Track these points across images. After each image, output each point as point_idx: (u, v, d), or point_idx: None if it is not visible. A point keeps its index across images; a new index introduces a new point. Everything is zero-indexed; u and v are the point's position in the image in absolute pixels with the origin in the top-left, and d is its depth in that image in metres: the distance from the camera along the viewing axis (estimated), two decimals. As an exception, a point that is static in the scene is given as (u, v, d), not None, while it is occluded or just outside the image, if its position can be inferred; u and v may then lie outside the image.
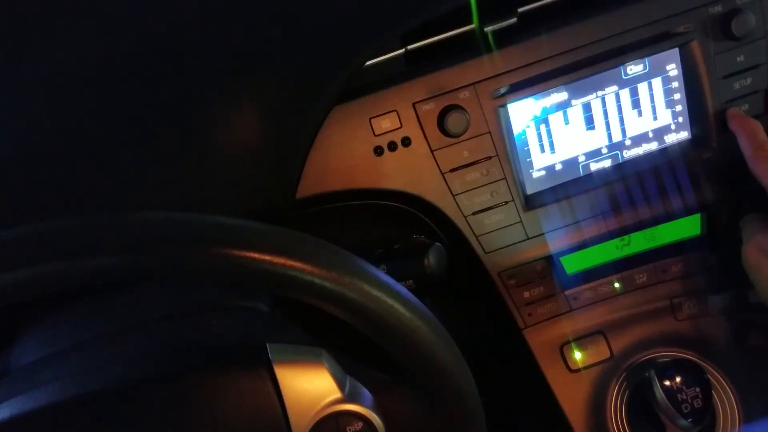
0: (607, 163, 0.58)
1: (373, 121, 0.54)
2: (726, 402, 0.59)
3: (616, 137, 0.58)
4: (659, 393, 0.55)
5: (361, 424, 0.38)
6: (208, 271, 0.31)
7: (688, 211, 0.59)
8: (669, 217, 0.59)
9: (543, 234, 0.58)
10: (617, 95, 0.57)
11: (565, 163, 0.58)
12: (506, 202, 0.57)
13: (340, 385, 0.37)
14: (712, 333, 0.61)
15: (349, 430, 0.38)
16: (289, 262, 0.32)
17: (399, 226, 0.59)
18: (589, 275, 0.61)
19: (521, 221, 0.57)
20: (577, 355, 0.61)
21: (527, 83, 0.55)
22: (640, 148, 0.58)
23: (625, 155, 0.58)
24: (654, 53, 0.56)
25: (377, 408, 0.38)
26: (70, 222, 0.31)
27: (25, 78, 0.49)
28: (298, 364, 0.37)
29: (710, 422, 0.58)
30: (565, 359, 0.61)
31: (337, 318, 0.35)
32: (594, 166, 0.58)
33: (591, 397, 0.60)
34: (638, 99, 0.57)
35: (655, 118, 0.57)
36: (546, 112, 0.56)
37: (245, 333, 0.46)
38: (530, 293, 0.60)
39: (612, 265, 0.61)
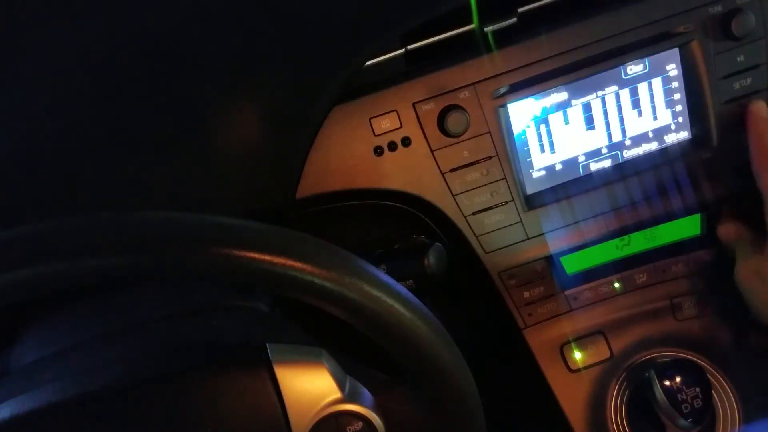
0: (607, 163, 0.58)
1: (373, 121, 0.54)
2: (726, 402, 0.59)
3: (616, 137, 0.58)
4: (659, 393, 0.55)
5: (361, 424, 0.38)
6: (208, 271, 0.31)
7: (688, 211, 0.59)
8: (669, 217, 0.59)
9: (543, 234, 0.58)
10: (617, 95, 0.57)
11: (565, 163, 0.58)
12: (506, 202, 0.57)
13: (340, 385, 0.37)
14: (712, 333, 0.61)
15: (349, 430, 0.38)
16: (289, 262, 0.32)
17: (399, 226, 0.59)
18: (589, 275, 0.61)
19: (521, 221, 0.57)
20: (577, 355, 0.61)
21: (527, 83, 0.55)
22: (640, 148, 0.58)
23: (625, 155, 0.58)
24: (654, 53, 0.56)
25: (377, 408, 0.38)
26: (70, 222, 0.31)
27: (25, 78, 0.49)
28: (298, 364, 0.37)
29: (710, 422, 0.58)
30: (565, 359, 0.61)
31: (337, 318, 0.35)
32: (594, 166, 0.58)
33: (591, 397, 0.60)
34: (638, 99, 0.57)
35: (655, 118, 0.57)
36: (546, 112, 0.56)
37: (245, 333, 0.46)
38: (530, 293, 0.60)
39: (612, 265, 0.61)
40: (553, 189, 0.58)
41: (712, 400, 0.57)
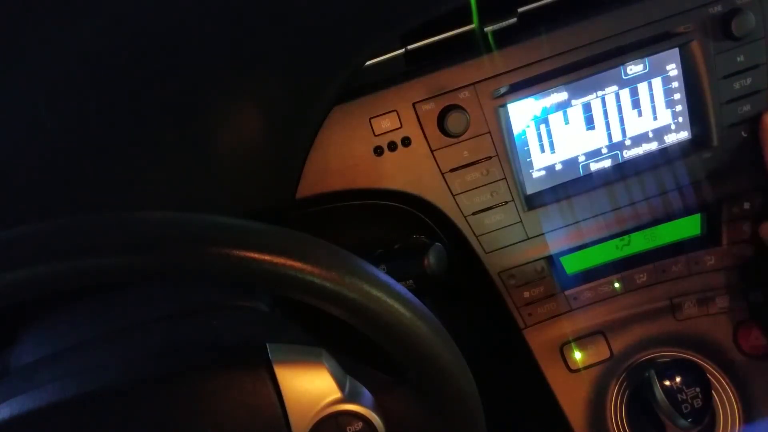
0: (607, 163, 0.58)
1: (373, 121, 0.54)
2: (726, 402, 0.59)
3: (616, 137, 0.58)
4: (659, 393, 0.55)
5: (361, 424, 0.38)
6: (208, 271, 0.31)
7: (688, 211, 0.59)
8: (669, 217, 0.59)
9: (543, 234, 0.58)
10: (617, 95, 0.57)
11: (565, 163, 0.58)
12: (506, 202, 0.57)
13: (340, 385, 0.37)
14: (712, 333, 0.61)
15: (349, 430, 0.38)
16: (289, 262, 0.32)
17: (399, 226, 0.59)
18: (589, 275, 0.61)
19: (521, 221, 0.57)
20: (577, 355, 0.61)
21: (527, 83, 0.55)
22: (640, 148, 0.58)
23: (625, 155, 0.58)
24: (654, 53, 0.56)
25: (377, 408, 0.38)
26: (70, 222, 0.31)
27: (26, 78, 0.49)
28: (298, 364, 0.37)
29: (710, 422, 0.58)
30: (565, 359, 0.61)
31: (337, 318, 0.35)
32: (594, 166, 0.58)
33: (591, 397, 0.60)
34: (638, 99, 0.57)
35: (655, 118, 0.57)
36: (546, 112, 0.56)
37: (245, 333, 0.46)
38: (530, 293, 0.60)
39: (612, 265, 0.61)
40: (553, 189, 0.58)
41: (712, 400, 0.57)
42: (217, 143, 0.53)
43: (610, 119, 0.57)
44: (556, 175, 0.58)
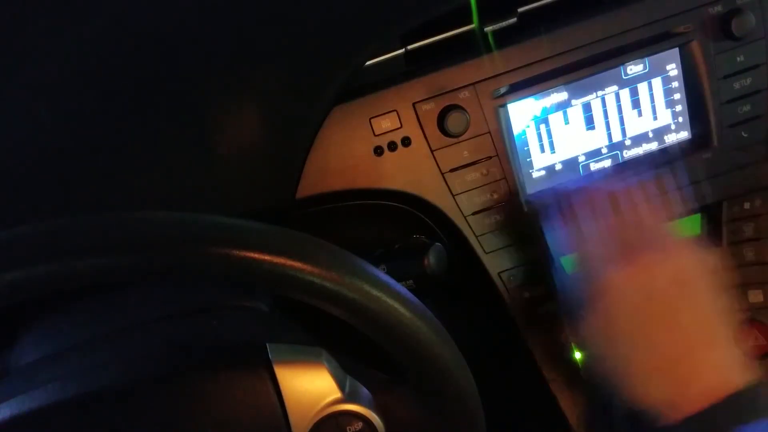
0: (607, 163, 0.58)
1: (373, 121, 0.54)
2: (726, 402, 0.59)
3: (616, 137, 0.58)
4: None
5: (361, 424, 0.38)
6: (208, 271, 0.31)
7: (688, 211, 0.59)
8: (669, 217, 0.59)
9: (543, 234, 0.58)
10: (617, 95, 0.57)
11: (565, 163, 0.58)
12: (506, 202, 0.57)
13: (340, 385, 0.37)
14: (712, 333, 0.61)
15: (349, 429, 0.38)
16: (289, 262, 0.32)
17: (399, 226, 0.59)
18: (589, 275, 0.61)
19: (521, 221, 0.57)
20: (577, 355, 0.61)
21: (527, 83, 0.55)
22: (640, 148, 0.58)
23: (625, 155, 0.58)
24: (654, 53, 0.56)
25: (377, 408, 0.38)
26: (70, 222, 0.31)
27: (26, 78, 0.49)
28: (298, 364, 0.37)
29: (710, 422, 0.58)
30: (565, 359, 0.61)
31: (337, 318, 0.35)
32: (594, 166, 0.58)
33: (591, 397, 0.60)
34: (638, 99, 0.57)
35: (655, 118, 0.57)
36: (546, 112, 0.56)
37: (245, 333, 0.46)
38: (530, 293, 0.60)
39: (612, 265, 0.61)
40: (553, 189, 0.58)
41: (712, 400, 0.57)
42: (217, 143, 0.53)
43: (610, 119, 0.57)
44: (556, 175, 0.58)
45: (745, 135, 0.57)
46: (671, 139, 0.58)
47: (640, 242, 0.48)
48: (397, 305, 0.34)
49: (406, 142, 0.55)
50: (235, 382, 0.37)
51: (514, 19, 0.55)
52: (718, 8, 0.54)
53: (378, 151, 0.55)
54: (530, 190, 0.58)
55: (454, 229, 0.57)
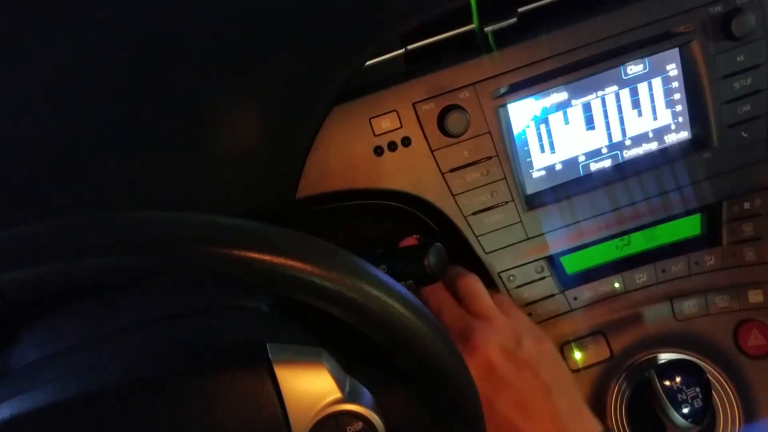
0: (607, 163, 0.58)
1: (373, 121, 0.54)
2: (726, 402, 0.59)
3: (616, 137, 0.58)
4: (659, 393, 0.55)
5: (361, 424, 0.38)
6: (208, 271, 0.31)
7: (688, 211, 0.59)
8: (669, 217, 0.59)
9: (543, 234, 0.58)
10: (617, 95, 0.57)
11: (565, 163, 0.58)
12: (506, 202, 0.57)
13: (340, 385, 0.37)
14: (712, 333, 0.61)
15: (349, 430, 0.38)
16: (289, 262, 0.32)
17: (399, 226, 0.59)
18: (589, 275, 0.61)
19: (521, 221, 0.57)
20: (577, 355, 0.61)
21: (527, 83, 0.55)
22: (640, 148, 0.58)
23: (625, 155, 0.58)
24: (654, 53, 0.56)
25: (377, 408, 0.38)
26: (70, 222, 0.30)
27: (25, 78, 0.49)
28: (298, 364, 0.37)
29: (710, 422, 0.58)
30: (565, 359, 0.61)
31: (337, 318, 0.35)
32: (594, 166, 0.58)
33: (591, 397, 0.60)
34: (638, 99, 0.57)
35: (655, 118, 0.57)
36: (546, 112, 0.56)
37: (245, 333, 0.46)
38: (530, 293, 0.60)
39: (612, 265, 0.61)
40: (553, 189, 0.58)
41: (712, 400, 0.57)
42: (217, 143, 0.53)
43: (610, 119, 0.57)
44: (556, 175, 0.58)
45: (745, 135, 0.57)
46: (671, 139, 0.58)
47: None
48: (397, 305, 0.34)
49: (406, 142, 0.55)
50: (235, 382, 0.37)
51: (514, 19, 0.55)
52: (718, 8, 0.54)
53: (378, 151, 0.55)
54: (530, 190, 0.58)
55: (454, 229, 0.57)
